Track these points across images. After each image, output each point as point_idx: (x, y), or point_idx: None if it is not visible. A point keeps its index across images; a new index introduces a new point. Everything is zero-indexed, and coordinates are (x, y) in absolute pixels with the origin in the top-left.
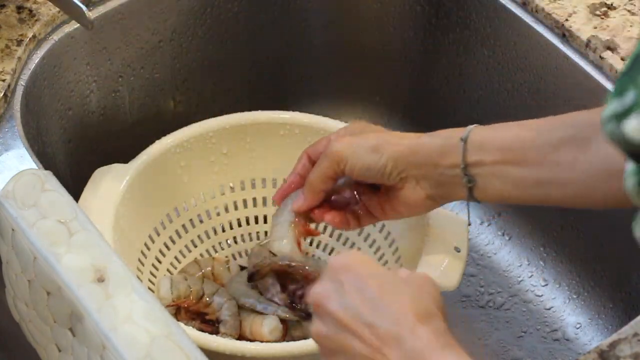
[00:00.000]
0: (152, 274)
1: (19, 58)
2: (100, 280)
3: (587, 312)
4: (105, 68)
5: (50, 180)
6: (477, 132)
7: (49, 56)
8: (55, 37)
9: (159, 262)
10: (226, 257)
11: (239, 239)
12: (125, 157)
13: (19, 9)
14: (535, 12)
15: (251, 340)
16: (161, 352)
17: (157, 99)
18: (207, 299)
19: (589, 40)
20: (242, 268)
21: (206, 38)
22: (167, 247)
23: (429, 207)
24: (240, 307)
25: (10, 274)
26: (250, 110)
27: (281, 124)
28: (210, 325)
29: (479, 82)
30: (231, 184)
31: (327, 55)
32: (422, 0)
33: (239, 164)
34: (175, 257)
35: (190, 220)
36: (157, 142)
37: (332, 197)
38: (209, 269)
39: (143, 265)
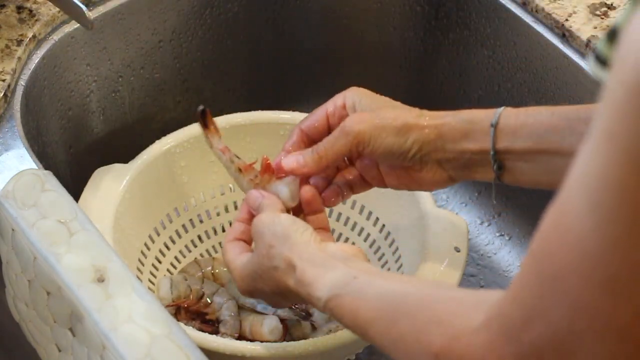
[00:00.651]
0: (152, 274)
1: (19, 58)
2: (100, 280)
3: None
4: (105, 68)
5: (50, 180)
6: (507, 117)
7: (49, 56)
8: (55, 37)
9: (159, 262)
10: None
11: None
12: (125, 157)
13: (19, 9)
14: (535, 12)
15: (251, 340)
16: (161, 352)
17: (157, 99)
18: (207, 299)
19: (589, 40)
20: None
21: (206, 38)
22: (167, 247)
23: (447, 185)
24: (240, 307)
25: (10, 274)
26: (250, 110)
27: (281, 124)
28: (210, 325)
29: (479, 82)
30: (231, 184)
31: (327, 55)
32: (422, 0)
33: None
34: (175, 257)
35: (190, 220)
36: (157, 142)
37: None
38: (209, 269)
39: (143, 265)
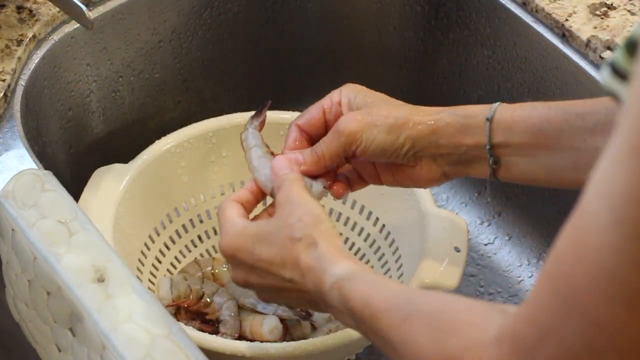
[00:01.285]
0: (152, 274)
1: (19, 58)
2: (100, 280)
3: None
4: (105, 68)
5: (50, 180)
6: (502, 112)
7: (49, 56)
8: (55, 37)
9: (159, 262)
10: None
11: None
12: (125, 157)
13: (19, 9)
14: (535, 12)
15: (251, 340)
16: (161, 352)
17: (157, 99)
18: (207, 299)
19: (589, 40)
20: None
21: (206, 38)
22: (167, 247)
23: (441, 182)
24: (240, 307)
25: (10, 274)
26: (250, 110)
27: (281, 124)
28: (210, 325)
29: (479, 82)
30: (231, 184)
31: (327, 55)
32: (422, 0)
33: (239, 164)
34: (175, 257)
35: (190, 220)
36: (157, 142)
37: None
38: (209, 269)
39: (143, 265)
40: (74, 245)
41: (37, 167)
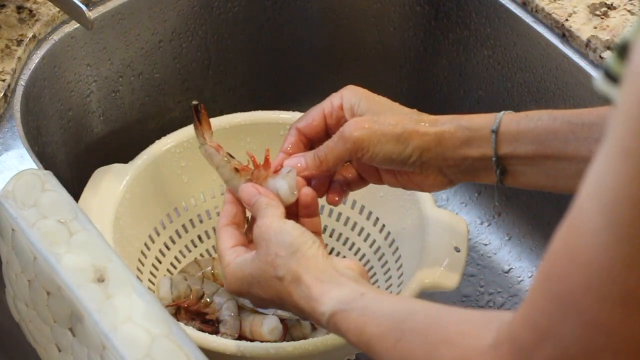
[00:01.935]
0: (152, 274)
1: (19, 58)
2: (100, 280)
3: None
4: (105, 68)
5: (50, 180)
6: (507, 123)
7: (49, 56)
8: (55, 37)
9: (159, 262)
10: None
11: None
12: (125, 157)
13: (19, 9)
14: (535, 12)
15: (251, 340)
16: (161, 352)
17: (157, 99)
18: (207, 299)
19: (589, 40)
20: None
21: (206, 38)
22: (167, 247)
23: (446, 188)
24: (240, 307)
25: (10, 274)
26: (250, 110)
27: (281, 124)
28: (210, 325)
29: (479, 82)
30: None
31: (327, 55)
32: (422, 0)
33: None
34: (175, 257)
35: (190, 220)
36: (157, 142)
37: None
38: (209, 269)
39: (143, 265)
40: (74, 245)
41: (37, 167)
